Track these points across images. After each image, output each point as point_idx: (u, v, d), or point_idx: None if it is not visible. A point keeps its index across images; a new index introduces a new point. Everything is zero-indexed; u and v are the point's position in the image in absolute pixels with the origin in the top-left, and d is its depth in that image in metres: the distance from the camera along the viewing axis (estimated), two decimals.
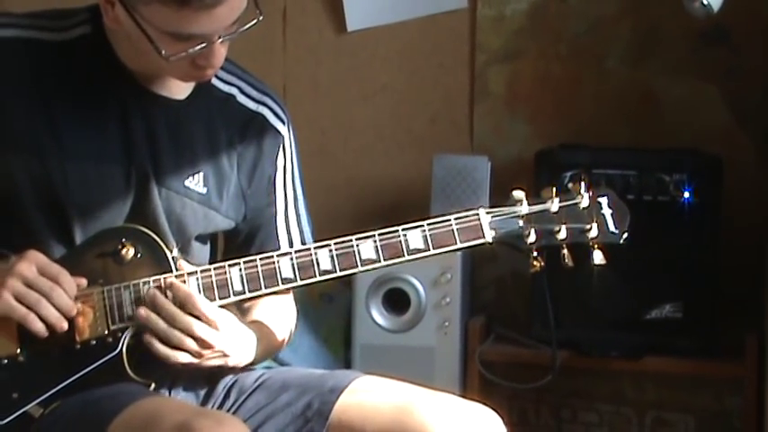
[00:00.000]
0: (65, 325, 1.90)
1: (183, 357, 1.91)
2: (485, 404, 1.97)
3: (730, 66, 3.33)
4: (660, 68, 3.38)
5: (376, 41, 3.51)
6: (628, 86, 3.39)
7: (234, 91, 2.08)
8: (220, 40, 1.88)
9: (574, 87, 3.43)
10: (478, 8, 3.45)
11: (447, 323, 3.23)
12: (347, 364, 3.28)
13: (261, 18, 1.92)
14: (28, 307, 1.88)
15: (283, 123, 2.12)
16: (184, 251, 2.03)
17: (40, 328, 1.89)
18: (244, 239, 2.11)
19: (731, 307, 3.20)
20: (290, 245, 2.10)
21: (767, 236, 3.08)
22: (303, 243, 2.12)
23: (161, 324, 1.91)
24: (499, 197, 2.00)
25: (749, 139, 3.33)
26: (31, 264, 1.89)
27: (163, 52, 1.86)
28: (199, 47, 1.87)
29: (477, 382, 3.25)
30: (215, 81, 2.05)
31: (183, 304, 1.91)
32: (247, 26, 1.91)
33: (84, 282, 1.93)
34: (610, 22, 3.39)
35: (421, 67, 3.51)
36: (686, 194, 3.13)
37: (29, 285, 1.88)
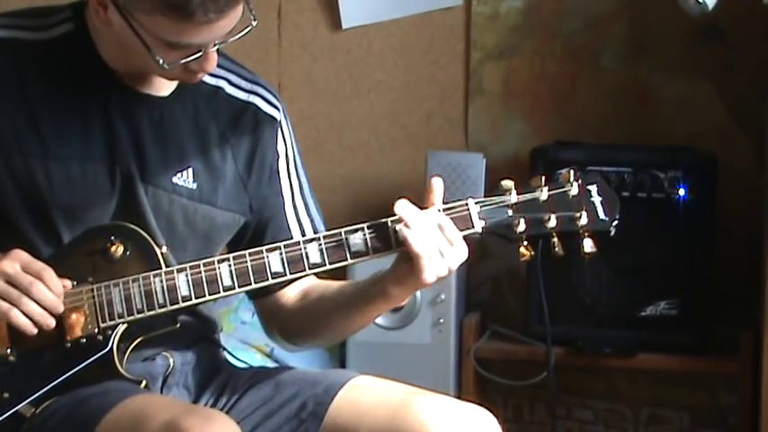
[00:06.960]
0: (51, 322, 1.89)
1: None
2: (480, 403, 1.97)
3: (726, 63, 3.32)
4: (656, 66, 3.37)
5: (371, 38, 3.51)
6: (623, 84, 3.38)
7: (222, 83, 2.07)
8: (215, 47, 1.89)
9: (569, 85, 3.42)
10: (473, 5, 3.44)
11: (442, 320, 3.22)
12: (342, 361, 3.27)
13: (255, 24, 1.91)
14: (11, 304, 1.87)
15: (278, 110, 2.11)
16: (177, 249, 2.01)
17: (24, 322, 1.87)
18: (254, 233, 2.09)
19: (726, 304, 3.20)
20: (302, 233, 2.08)
21: (762, 233, 3.07)
22: (315, 231, 2.10)
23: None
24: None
25: (745, 136, 3.32)
26: (14, 261, 1.88)
27: (160, 61, 1.86)
28: (194, 56, 1.87)
29: (472, 379, 3.25)
30: None
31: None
32: (240, 34, 1.91)
33: (69, 284, 1.92)
34: (605, 19, 3.38)
35: (416, 64, 3.50)
36: (681, 192, 3.12)
37: (10, 282, 1.87)
